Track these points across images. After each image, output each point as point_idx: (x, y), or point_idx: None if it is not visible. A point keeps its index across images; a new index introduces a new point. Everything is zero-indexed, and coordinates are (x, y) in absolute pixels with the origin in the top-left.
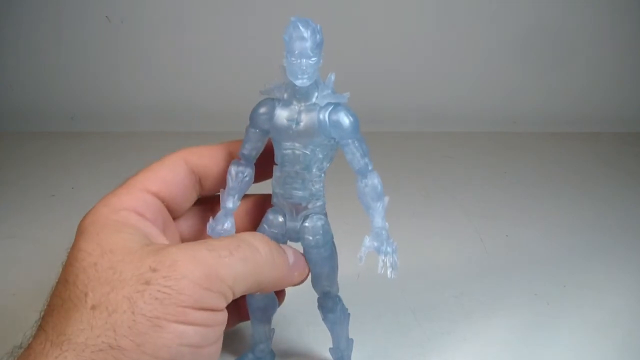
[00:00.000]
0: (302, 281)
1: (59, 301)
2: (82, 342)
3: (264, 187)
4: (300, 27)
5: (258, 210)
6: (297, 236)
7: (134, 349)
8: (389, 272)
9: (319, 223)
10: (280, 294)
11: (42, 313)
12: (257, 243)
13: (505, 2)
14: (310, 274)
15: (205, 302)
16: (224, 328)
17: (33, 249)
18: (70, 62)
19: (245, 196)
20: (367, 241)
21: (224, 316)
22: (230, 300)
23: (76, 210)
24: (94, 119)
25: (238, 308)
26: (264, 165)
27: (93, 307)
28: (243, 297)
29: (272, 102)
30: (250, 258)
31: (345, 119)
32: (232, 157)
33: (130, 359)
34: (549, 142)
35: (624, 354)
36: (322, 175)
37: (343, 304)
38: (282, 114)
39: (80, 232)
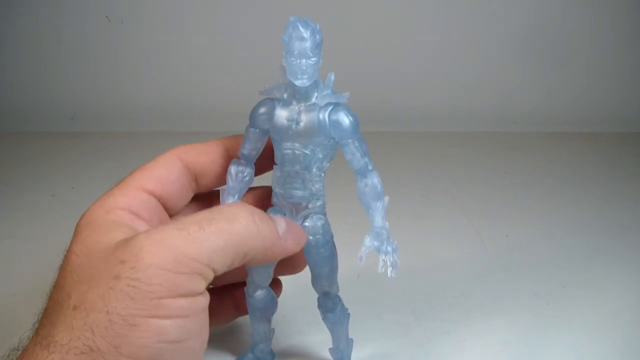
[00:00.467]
0: (298, 249)
1: (51, 303)
2: (65, 344)
3: (264, 183)
4: (300, 27)
5: (260, 205)
6: None
7: (112, 351)
8: (389, 272)
9: (319, 223)
10: (276, 286)
11: (40, 316)
12: (236, 211)
13: (505, 2)
14: (310, 271)
15: (180, 288)
16: (206, 316)
17: (33, 249)
18: (70, 62)
19: (248, 190)
20: (368, 241)
21: (204, 301)
22: (211, 279)
23: (76, 210)
24: (94, 119)
25: (236, 302)
26: (263, 162)
27: (74, 308)
28: (241, 290)
29: (271, 102)
30: (227, 229)
31: (345, 119)
32: (228, 154)
33: None
34: (549, 142)
35: (624, 354)
36: (322, 175)
37: (343, 304)
38: (281, 114)
39: (75, 233)
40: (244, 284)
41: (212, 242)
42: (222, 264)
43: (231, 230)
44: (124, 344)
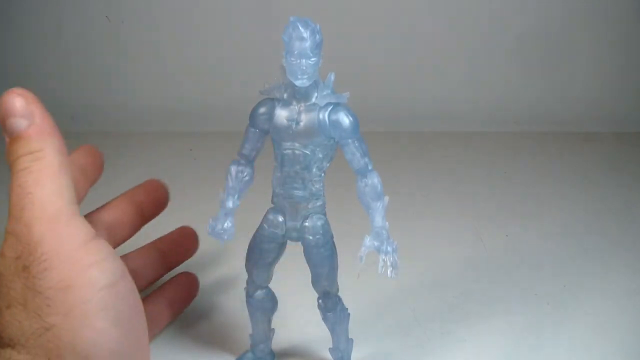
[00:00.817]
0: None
1: None
2: (21, 337)
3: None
4: (300, 27)
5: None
6: (297, 236)
7: (65, 321)
8: (389, 272)
9: (319, 223)
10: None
11: None
12: (30, 155)
13: (506, 2)
14: (310, 271)
15: (77, 235)
16: (121, 262)
17: None
18: (70, 61)
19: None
20: (368, 241)
21: (105, 243)
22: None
23: None
24: (94, 119)
25: (169, 301)
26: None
27: (8, 307)
28: (173, 289)
29: (271, 102)
30: (43, 167)
31: (345, 119)
32: (136, 207)
33: (67, 330)
34: (549, 142)
35: (624, 353)
36: (322, 175)
37: (343, 303)
38: (281, 114)
39: None
40: (173, 282)
41: (53, 182)
42: (69, 187)
43: (43, 167)
44: (71, 309)
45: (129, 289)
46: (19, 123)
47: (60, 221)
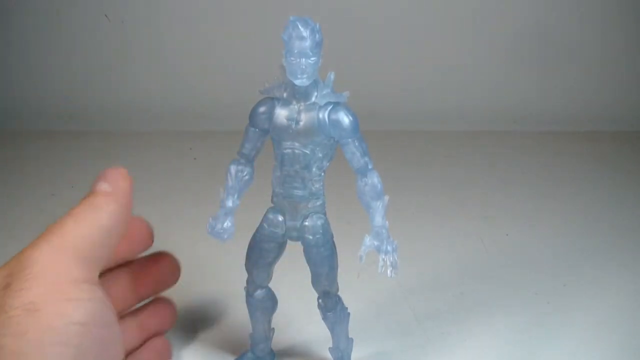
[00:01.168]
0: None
1: None
2: None
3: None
4: (300, 27)
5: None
6: (297, 235)
7: (15, 343)
8: (389, 271)
9: (319, 222)
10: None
11: None
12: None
13: (506, 2)
14: (310, 270)
15: (71, 272)
16: (110, 311)
17: None
18: (70, 61)
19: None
20: (368, 240)
21: (101, 291)
22: (100, 266)
23: None
24: (94, 119)
25: (157, 353)
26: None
27: None
28: (161, 341)
29: (271, 101)
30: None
31: (344, 119)
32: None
33: (14, 354)
34: (549, 142)
35: (624, 353)
36: (322, 174)
37: (343, 303)
38: (281, 113)
39: None
40: (147, 348)
41: (89, 228)
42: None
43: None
44: (30, 329)
45: (105, 337)
46: (103, 185)
47: (66, 253)
